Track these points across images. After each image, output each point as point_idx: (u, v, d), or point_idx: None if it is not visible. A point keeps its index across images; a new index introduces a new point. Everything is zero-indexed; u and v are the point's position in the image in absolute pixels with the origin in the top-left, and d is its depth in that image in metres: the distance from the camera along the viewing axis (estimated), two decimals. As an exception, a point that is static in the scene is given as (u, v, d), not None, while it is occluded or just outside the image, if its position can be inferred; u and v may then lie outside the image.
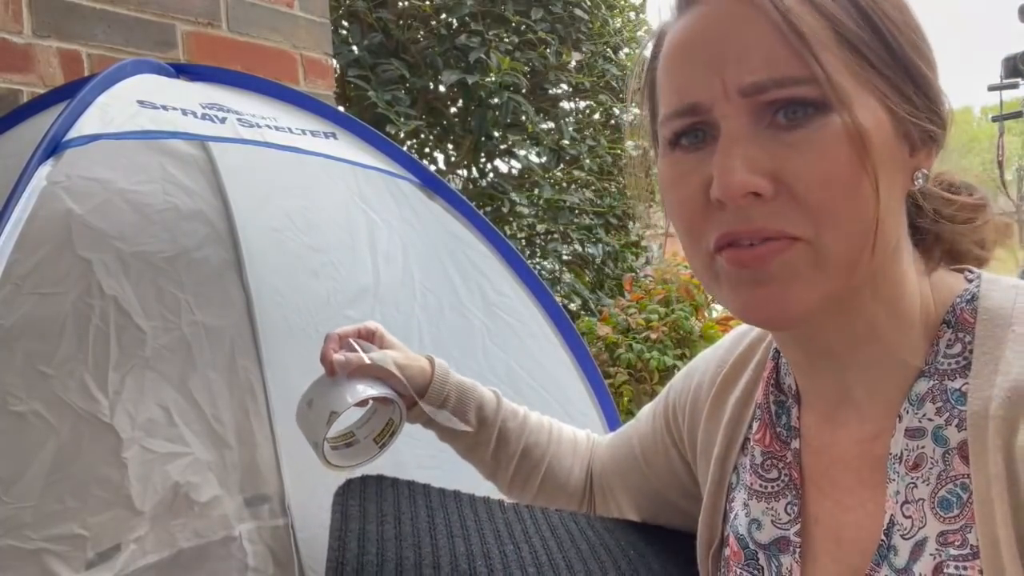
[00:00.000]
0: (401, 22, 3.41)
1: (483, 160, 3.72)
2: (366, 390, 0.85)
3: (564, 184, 3.93)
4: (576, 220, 3.88)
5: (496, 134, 3.49)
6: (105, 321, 1.25)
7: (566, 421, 1.34)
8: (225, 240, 1.43)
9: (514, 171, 3.83)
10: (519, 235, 3.87)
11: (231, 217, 1.42)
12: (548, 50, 3.62)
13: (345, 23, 3.28)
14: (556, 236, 3.94)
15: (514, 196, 3.55)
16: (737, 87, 0.52)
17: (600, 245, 3.94)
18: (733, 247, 0.54)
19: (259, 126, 1.04)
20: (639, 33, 4.29)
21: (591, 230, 3.93)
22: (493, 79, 3.24)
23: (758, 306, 0.55)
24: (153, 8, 1.56)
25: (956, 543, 0.53)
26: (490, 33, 3.35)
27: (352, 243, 1.39)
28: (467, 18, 3.40)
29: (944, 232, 0.61)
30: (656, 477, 0.86)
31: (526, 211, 3.71)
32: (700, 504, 0.75)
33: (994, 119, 3.14)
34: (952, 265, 0.63)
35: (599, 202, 4.05)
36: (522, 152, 3.78)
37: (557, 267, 3.93)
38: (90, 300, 1.23)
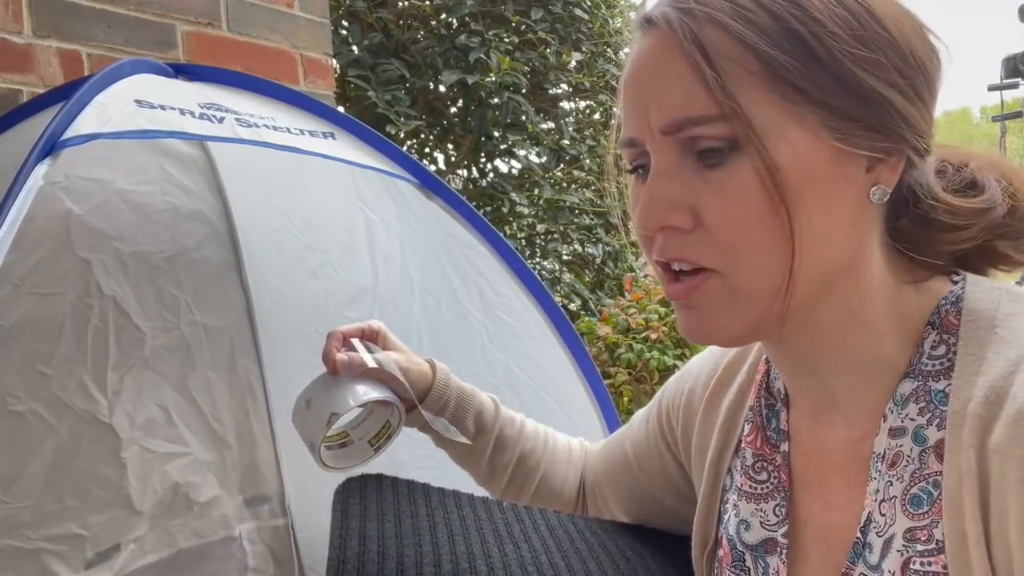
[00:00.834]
0: (401, 22, 3.41)
1: (483, 160, 3.72)
2: (368, 392, 0.84)
3: (564, 184, 3.93)
4: (576, 220, 3.88)
5: (496, 134, 3.49)
6: (104, 321, 1.25)
7: (565, 421, 1.34)
8: (224, 240, 1.43)
9: (514, 171, 3.83)
10: (519, 235, 3.86)
11: (230, 217, 1.42)
12: (548, 50, 3.62)
13: (345, 23, 3.28)
14: (556, 236, 3.94)
15: (514, 196, 3.55)
16: (658, 127, 0.54)
17: (600, 245, 3.94)
18: (670, 277, 0.58)
19: (257, 126, 1.04)
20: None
21: (591, 230, 3.93)
22: (493, 79, 3.24)
23: (689, 330, 0.59)
24: (153, 8, 1.56)
25: (922, 539, 0.54)
26: (490, 33, 3.35)
27: (351, 243, 1.39)
28: (467, 18, 3.40)
29: (940, 239, 0.61)
30: (650, 481, 0.86)
31: (526, 211, 3.71)
32: (694, 506, 0.76)
33: (994, 119, 3.14)
34: (989, 266, 0.64)
35: (599, 202, 4.05)
36: (522, 152, 3.78)
37: (557, 267, 3.93)
38: (89, 300, 1.23)
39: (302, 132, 1.11)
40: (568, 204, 3.75)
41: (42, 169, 0.74)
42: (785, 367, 0.66)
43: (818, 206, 0.53)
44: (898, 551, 0.55)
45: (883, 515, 0.57)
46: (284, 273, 1.46)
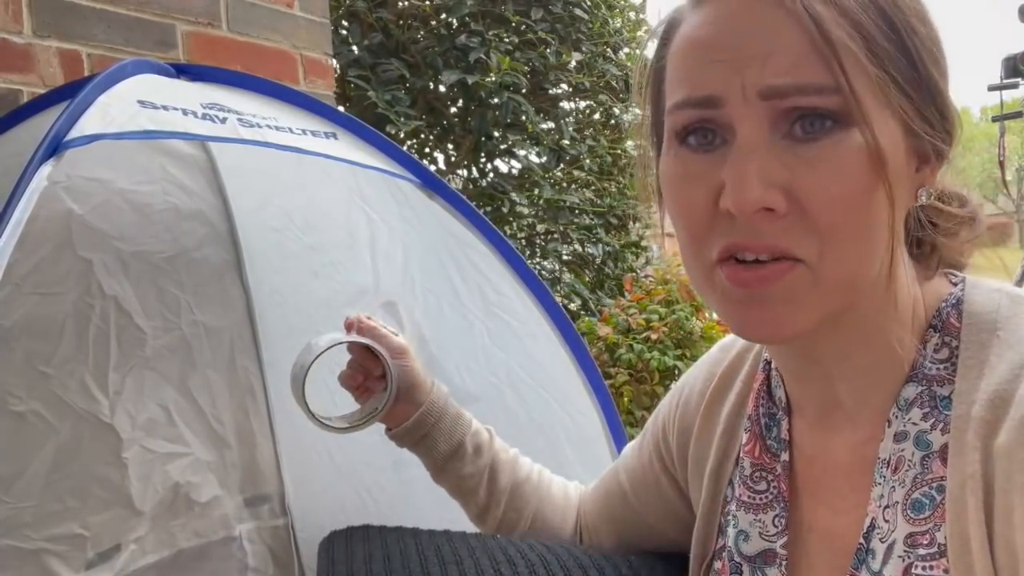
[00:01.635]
0: (401, 22, 3.41)
1: (483, 160, 3.72)
2: (352, 334, 0.90)
3: (564, 184, 3.93)
4: (576, 220, 3.88)
5: (496, 134, 3.49)
6: (105, 321, 1.25)
7: (566, 421, 1.35)
8: (225, 240, 1.43)
9: (514, 171, 3.83)
10: (519, 235, 3.86)
11: (231, 217, 1.42)
12: (548, 50, 3.62)
13: (345, 23, 3.27)
14: (556, 236, 3.94)
15: (514, 196, 3.55)
16: (757, 89, 0.50)
17: (600, 245, 3.94)
18: (735, 263, 0.53)
19: (259, 126, 1.04)
20: (639, 33, 4.29)
21: (591, 230, 3.92)
22: (493, 79, 3.24)
23: (756, 324, 0.55)
24: (153, 8, 1.56)
25: (924, 543, 0.54)
26: (490, 33, 3.35)
27: (352, 243, 1.39)
28: (467, 18, 3.39)
29: (938, 242, 0.62)
30: (648, 511, 0.85)
31: (526, 211, 3.71)
32: (692, 534, 0.75)
33: (994, 119, 3.14)
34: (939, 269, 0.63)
35: (599, 202, 4.05)
36: (522, 152, 3.78)
37: (557, 267, 3.93)
38: (90, 300, 1.23)
39: (304, 132, 1.11)
40: (568, 204, 3.75)
41: (46, 170, 0.74)
42: (793, 371, 0.65)
43: (897, 199, 0.52)
44: (899, 557, 0.55)
45: (887, 521, 0.57)
46: (285, 273, 1.46)
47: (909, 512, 0.55)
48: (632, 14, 4.40)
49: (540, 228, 3.95)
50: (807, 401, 0.66)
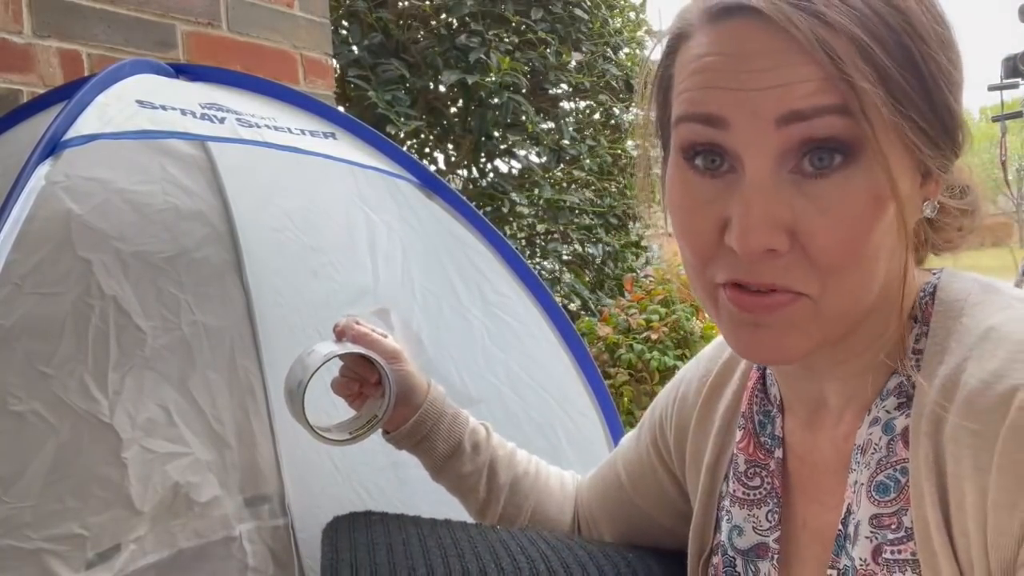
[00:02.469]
0: (401, 22, 3.41)
1: (483, 160, 3.72)
2: (346, 344, 0.88)
3: (564, 184, 3.93)
4: (576, 220, 3.88)
5: (496, 134, 3.49)
6: (105, 321, 1.25)
7: (566, 421, 1.35)
8: (225, 240, 1.43)
9: (514, 171, 3.83)
10: (519, 235, 3.86)
11: (231, 217, 1.42)
12: (548, 50, 3.62)
13: (345, 23, 3.27)
14: (556, 236, 3.94)
15: (514, 196, 3.55)
16: (773, 116, 0.49)
17: (600, 245, 3.94)
18: (738, 289, 0.53)
19: (258, 126, 1.04)
20: (639, 33, 4.29)
21: (591, 230, 3.93)
22: (493, 79, 3.24)
23: (757, 348, 0.55)
24: (153, 8, 1.56)
25: (892, 526, 0.54)
26: (490, 33, 3.35)
27: (352, 243, 1.39)
28: (467, 18, 3.40)
29: (936, 237, 0.62)
30: (645, 501, 0.85)
31: (526, 211, 3.71)
32: (690, 524, 0.75)
33: (995, 119, 3.14)
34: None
35: (599, 202, 4.05)
36: (522, 152, 3.78)
37: (557, 267, 3.93)
38: (90, 300, 1.23)
39: (303, 132, 1.11)
40: (568, 204, 3.75)
41: (44, 170, 0.74)
42: (788, 374, 0.66)
43: (900, 224, 0.52)
44: (866, 537, 0.55)
45: (858, 505, 0.57)
46: (285, 273, 1.46)
47: (873, 494, 0.56)
48: (632, 14, 4.40)
49: (540, 228, 3.95)
50: (797, 401, 0.66)
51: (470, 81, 3.18)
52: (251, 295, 1.46)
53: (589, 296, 3.80)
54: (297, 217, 1.42)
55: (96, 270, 1.23)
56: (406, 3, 3.49)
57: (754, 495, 0.67)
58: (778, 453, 0.67)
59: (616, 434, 1.37)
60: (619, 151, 4.12)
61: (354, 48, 3.16)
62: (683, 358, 3.10)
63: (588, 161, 3.92)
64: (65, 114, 0.81)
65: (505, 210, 3.57)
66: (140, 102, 0.92)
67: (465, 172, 3.79)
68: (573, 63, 3.83)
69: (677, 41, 0.56)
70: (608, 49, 4.02)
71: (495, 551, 0.80)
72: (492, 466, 0.92)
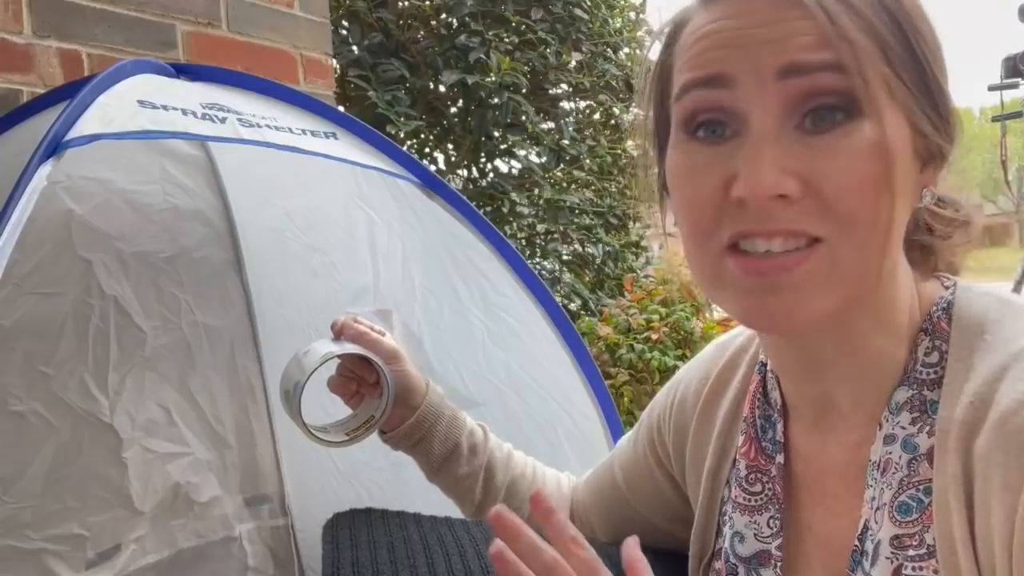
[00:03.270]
0: (401, 22, 3.41)
1: (483, 160, 3.72)
2: (344, 344, 0.87)
3: (564, 184, 3.92)
4: (576, 220, 3.88)
5: (496, 134, 3.49)
6: (105, 321, 1.25)
7: (566, 421, 1.34)
8: (225, 240, 1.43)
9: (514, 171, 3.83)
10: (519, 235, 3.86)
11: (231, 217, 1.42)
12: (548, 50, 3.62)
13: (345, 23, 3.27)
14: (556, 236, 3.94)
15: (514, 196, 3.55)
16: (777, 67, 0.50)
17: (600, 245, 3.94)
18: (746, 256, 0.53)
19: (259, 126, 1.04)
20: (639, 33, 4.29)
21: (591, 230, 3.92)
22: (493, 79, 3.24)
23: (768, 314, 0.54)
24: (153, 8, 1.56)
25: (913, 544, 0.54)
26: (490, 33, 3.34)
27: (352, 243, 1.39)
28: (467, 18, 3.39)
29: (935, 245, 0.62)
30: (642, 503, 0.85)
31: (526, 211, 3.71)
32: (688, 527, 0.75)
33: (994, 119, 3.14)
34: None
35: (599, 202, 4.05)
36: (522, 152, 3.78)
37: (557, 267, 3.93)
38: (90, 300, 1.23)
39: (304, 132, 1.11)
40: (568, 204, 3.74)
41: (46, 170, 0.74)
42: (790, 373, 0.66)
43: (901, 194, 0.53)
44: (887, 558, 0.55)
45: (877, 523, 0.57)
46: (285, 273, 1.46)
47: (896, 514, 0.56)
48: (632, 14, 4.40)
49: (540, 228, 3.95)
50: (802, 403, 0.66)
51: (470, 81, 3.18)
52: (251, 295, 1.46)
53: (589, 296, 3.79)
54: (297, 217, 1.42)
55: (96, 270, 1.23)
56: (406, 3, 3.49)
57: (755, 501, 0.67)
58: (779, 458, 0.67)
59: (616, 434, 1.37)
60: (619, 151, 4.12)
61: (354, 48, 3.16)
62: (683, 358, 3.10)
63: (588, 161, 3.92)
64: (67, 114, 0.81)
65: (505, 210, 3.57)
66: (141, 102, 0.92)
67: (465, 172, 3.79)
68: (573, 63, 3.83)
69: (676, 30, 0.58)
70: (608, 49, 4.02)
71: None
72: (489, 468, 0.91)
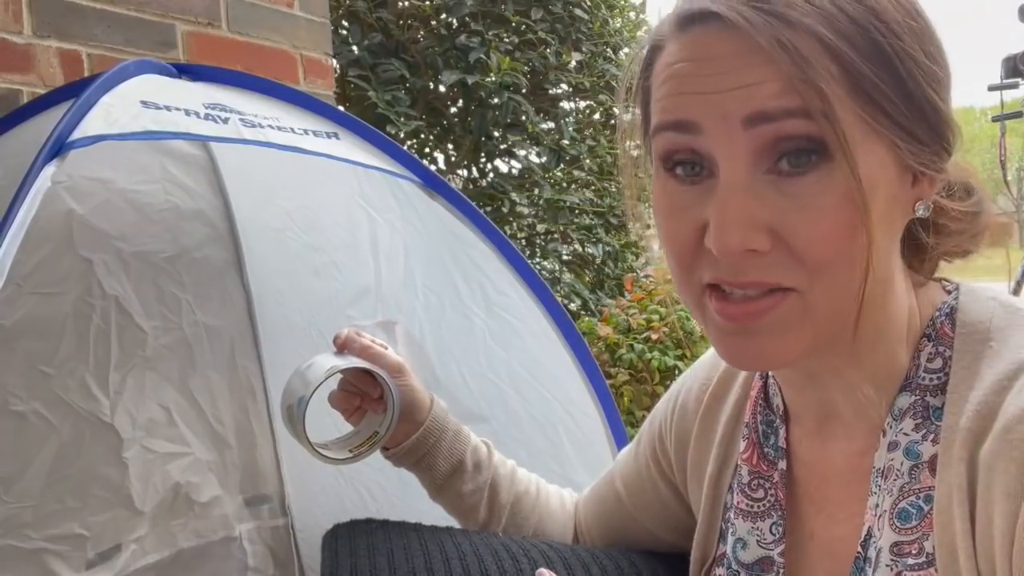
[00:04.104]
0: (401, 22, 3.41)
1: (483, 160, 3.72)
2: (349, 358, 0.86)
3: (564, 184, 3.92)
4: (576, 220, 3.88)
5: (496, 134, 3.49)
6: (106, 321, 1.25)
7: (567, 421, 1.34)
8: (226, 240, 1.43)
9: (514, 171, 3.83)
10: (519, 235, 3.86)
11: (232, 217, 1.42)
12: (548, 50, 3.62)
13: (345, 23, 3.27)
14: (556, 236, 3.94)
15: (514, 196, 3.55)
16: (743, 116, 0.49)
17: (600, 245, 3.94)
18: (722, 298, 0.53)
19: (261, 126, 1.03)
20: (639, 33, 4.29)
21: (591, 230, 3.92)
22: (493, 79, 3.24)
23: (743, 356, 0.55)
24: (153, 8, 1.56)
25: (913, 552, 0.54)
26: (490, 33, 3.34)
27: (353, 243, 1.39)
28: (467, 18, 3.39)
29: (940, 242, 0.61)
30: (644, 515, 0.84)
31: (526, 211, 3.71)
32: (691, 538, 0.75)
33: (994, 119, 3.14)
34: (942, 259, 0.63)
35: (599, 202, 4.05)
36: (522, 152, 3.78)
37: (557, 267, 3.93)
38: (91, 300, 1.23)
39: (306, 132, 1.11)
40: (568, 204, 3.74)
41: (50, 171, 0.74)
42: (793, 383, 0.65)
43: (885, 223, 0.52)
44: (887, 565, 0.55)
45: (879, 530, 0.57)
46: (286, 273, 1.46)
47: (896, 521, 0.55)
48: (632, 14, 4.40)
49: (540, 228, 3.95)
50: (804, 410, 0.66)
51: (470, 81, 3.18)
52: (252, 295, 1.46)
53: (589, 296, 3.80)
54: (298, 217, 1.42)
55: (97, 270, 1.23)
56: (406, 3, 3.49)
57: (758, 507, 0.67)
58: (781, 464, 0.66)
59: (617, 433, 1.37)
60: (619, 151, 4.11)
61: (354, 48, 3.16)
62: (683, 358, 3.10)
63: (588, 161, 3.92)
64: (71, 115, 0.81)
65: (505, 210, 3.57)
66: (144, 103, 0.92)
67: (465, 172, 3.79)
68: (573, 63, 3.83)
69: (653, 54, 0.57)
70: (608, 49, 4.02)
71: (497, 554, 0.80)
72: (494, 485, 0.90)
